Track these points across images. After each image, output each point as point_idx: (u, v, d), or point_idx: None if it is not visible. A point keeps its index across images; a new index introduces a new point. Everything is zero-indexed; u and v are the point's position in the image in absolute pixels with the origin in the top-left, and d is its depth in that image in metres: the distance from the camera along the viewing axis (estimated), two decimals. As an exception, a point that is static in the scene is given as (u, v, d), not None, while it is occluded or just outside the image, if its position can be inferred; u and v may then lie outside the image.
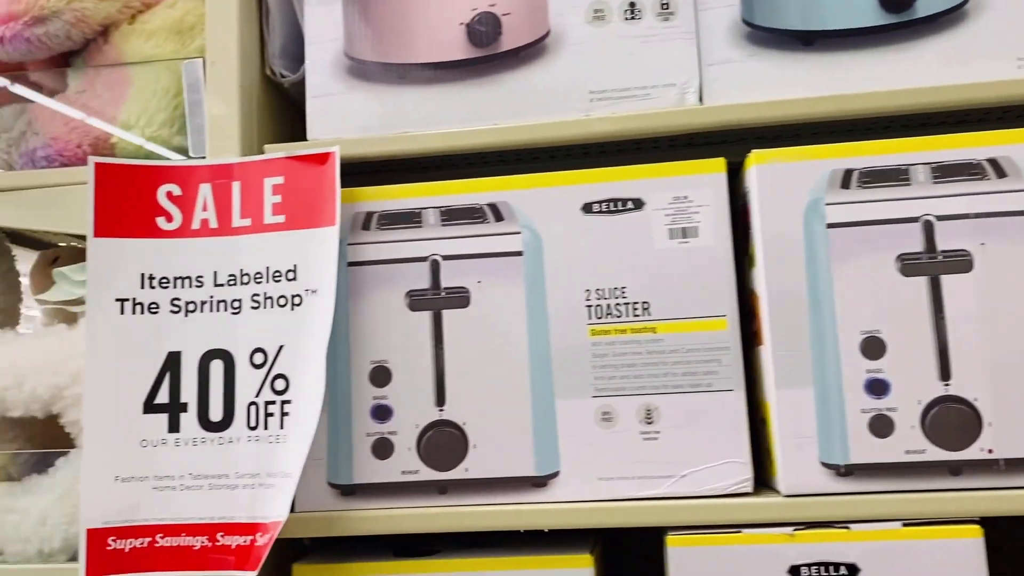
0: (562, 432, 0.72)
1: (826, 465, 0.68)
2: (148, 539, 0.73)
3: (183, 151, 0.81)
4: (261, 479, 0.73)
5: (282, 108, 0.87)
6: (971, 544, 0.65)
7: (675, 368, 0.72)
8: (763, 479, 0.73)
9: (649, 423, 0.71)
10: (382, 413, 0.75)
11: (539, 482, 0.72)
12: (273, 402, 0.74)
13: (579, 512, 0.70)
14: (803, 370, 0.69)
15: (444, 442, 0.73)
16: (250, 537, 0.72)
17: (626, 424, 0.72)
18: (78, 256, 1.02)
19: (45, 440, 0.88)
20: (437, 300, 0.75)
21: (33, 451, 0.81)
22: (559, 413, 0.72)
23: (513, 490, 0.73)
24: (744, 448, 0.70)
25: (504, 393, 0.73)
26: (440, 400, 0.74)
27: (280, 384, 0.74)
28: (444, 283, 0.75)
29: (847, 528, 0.67)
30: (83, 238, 1.08)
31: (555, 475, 0.72)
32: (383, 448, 0.74)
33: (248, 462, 0.73)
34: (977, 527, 0.65)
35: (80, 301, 0.81)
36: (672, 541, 0.69)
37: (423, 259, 0.75)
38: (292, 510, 0.74)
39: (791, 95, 0.73)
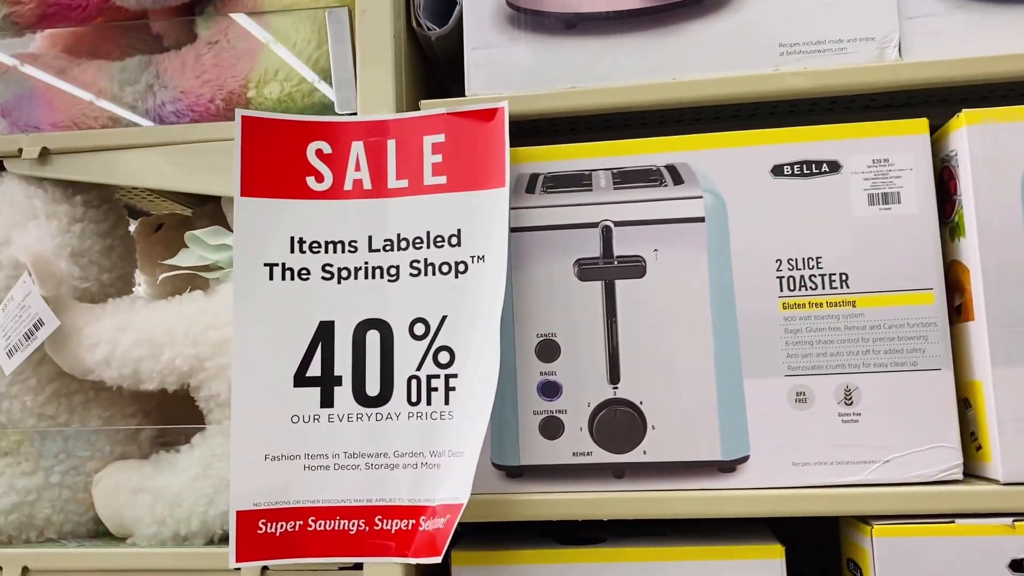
0: (751, 413, 0.67)
1: (1051, 452, 0.63)
2: (300, 522, 0.68)
3: (326, 109, 0.75)
4: (424, 458, 0.68)
5: (425, 65, 0.81)
6: None
7: (877, 345, 0.66)
8: (966, 468, 0.67)
9: (848, 404, 0.66)
10: (551, 390, 0.69)
11: (726, 467, 0.67)
12: (436, 376, 0.68)
13: (771, 499, 0.65)
14: (1023, 347, 0.64)
15: (619, 422, 0.68)
16: (411, 521, 0.67)
17: (823, 405, 0.66)
18: (182, 224, 0.96)
19: (163, 415, 0.83)
20: (609, 269, 0.69)
21: (168, 427, 0.75)
22: (748, 393, 0.67)
23: (696, 475, 0.67)
24: (953, 431, 0.65)
25: (686, 371, 0.68)
26: (614, 377, 0.69)
27: (444, 357, 0.68)
28: (617, 251, 0.69)
29: (1074, 519, 0.62)
30: (189, 206, 1.03)
31: (744, 459, 0.67)
32: (552, 427, 0.69)
33: (409, 440, 0.68)
34: None
35: (212, 267, 0.75)
36: (879, 531, 0.63)
37: (594, 225, 0.70)
38: (454, 493, 0.69)
39: (1001, 51, 0.67)
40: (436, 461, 0.67)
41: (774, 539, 0.67)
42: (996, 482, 0.64)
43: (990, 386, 0.64)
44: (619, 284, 0.69)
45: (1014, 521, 0.62)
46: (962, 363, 0.68)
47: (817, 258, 0.67)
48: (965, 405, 0.68)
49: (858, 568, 0.68)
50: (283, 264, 0.70)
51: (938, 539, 0.63)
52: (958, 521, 0.63)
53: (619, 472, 0.68)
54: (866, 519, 0.65)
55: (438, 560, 0.64)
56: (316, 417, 0.69)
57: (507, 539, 0.72)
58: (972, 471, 0.66)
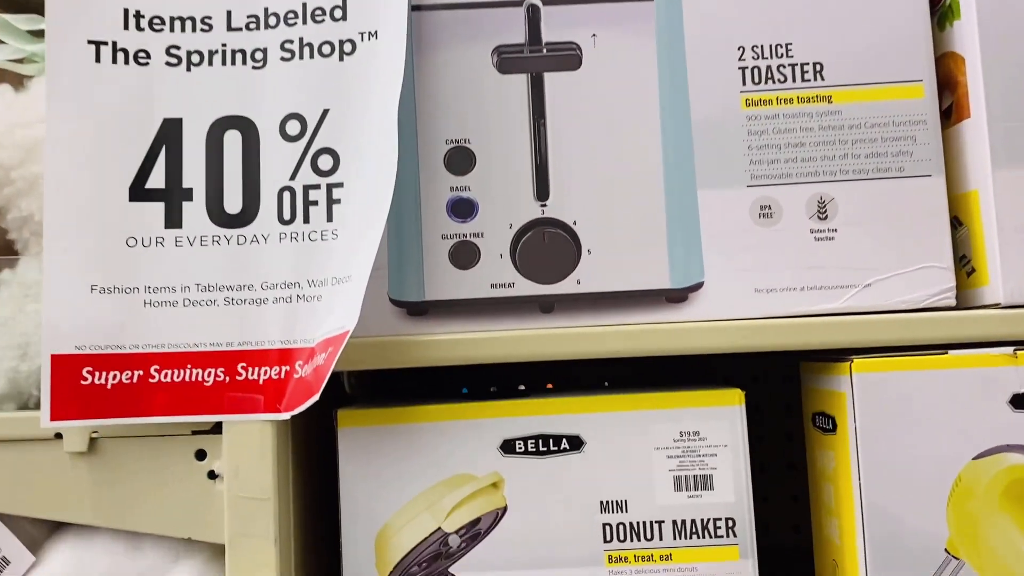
0: (707, 232, 0.55)
1: (1058, 267, 0.53)
2: (139, 372, 0.53)
3: None
4: (300, 290, 0.53)
5: None
6: None
7: (856, 148, 0.55)
8: (957, 300, 0.57)
9: (822, 219, 0.55)
10: (463, 209, 0.56)
11: (676, 296, 0.55)
12: (316, 186, 0.54)
13: (730, 332, 0.53)
14: (1030, 145, 0.53)
15: (548, 247, 0.55)
16: (284, 368, 0.52)
17: (792, 220, 0.55)
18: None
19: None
20: (537, 60, 0.56)
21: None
22: (703, 208, 0.55)
23: (641, 307, 0.55)
24: (946, 249, 0.54)
25: (628, 182, 0.55)
26: (542, 192, 0.55)
27: (326, 162, 0.54)
28: (547, 37, 0.56)
29: (1085, 346, 0.52)
30: None
31: (697, 287, 0.55)
32: (465, 255, 0.55)
33: (281, 268, 0.54)
34: None
35: (32, 59, 0.58)
36: (859, 366, 0.53)
37: (517, 3, 0.56)
38: (340, 336, 0.55)
39: None
40: (316, 293, 0.53)
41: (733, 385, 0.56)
42: (995, 307, 0.54)
43: (990, 193, 0.53)
44: (548, 78, 0.56)
45: (1016, 350, 0.52)
46: (953, 175, 0.57)
47: (787, 44, 0.55)
48: (955, 226, 0.58)
49: (829, 419, 0.57)
50: (114, 43, 0.54)
51: (929, 373, 0.52)
52: (952, 352, 0.53)
53: (547, 306, 0.55)
54: (843, 354, 0.54)
55: (315, 398, 0.50)
56: (159, 240, 0.54)
57: (411, 396, 0.59)
58: (963, 303, 0.56)
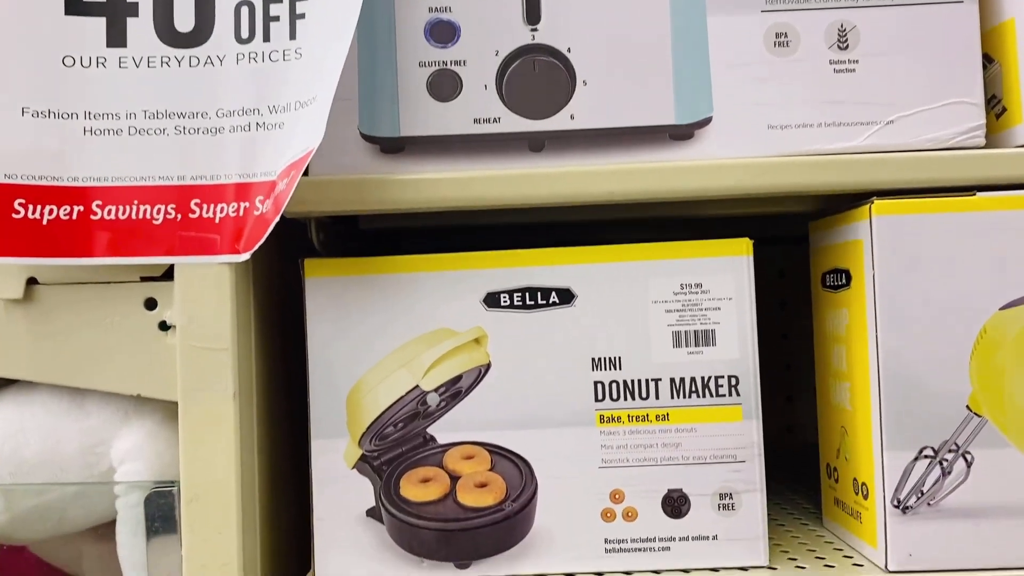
0: (716, 62, 0.49)
1: (1101, 100, 0.48)
2: (80, 208, 0.47)
3: None
4: (261, 117, 0.47)
5: None
6: None
7: (883, -31, 0.49)
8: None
9: (843, 48, 0.49)
10: (444, 33, 0.50)
11: (681, 133, 0.50)
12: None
13: (740, 171, 0.48)
14: (1077, -35, 0.48)
15: (539, 77, 0.49)
16: (244, 205, 0.47)
17: (810, 50, 0.49)
18: None
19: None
20: None
21: None
22: (713, 34, 0.49)
23: (641, 146, 0.50)
24: (976, 83, 0.49)
25: (630, 5, 0.49)
26: (533, 15, 0.49)
27: (289, -28, 0.48)
28: None
29: (1124, 188, 0.48)
30: None
31: (705, 123, 0.49)
32: (446, 85, 0.50)
33: (239, 93, 0.48)
34: None
35: None
36: (880, 208, 0.48)
37: None
38: (306, 174, 0.49)
39: None
40: (277, 120, 0.47)
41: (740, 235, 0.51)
42: (1028, 146, 0.49)
43: (1028, 19, 0.48)
44: None
45: (1051, 191, 0.48)
46: (984, 6, 0.52)
47: None
48: (984, 64, 0.52)
49: (843, 274, 0.52)
50: None
51: (955, 216, 0.48)
52: (980, 194, 0.48)
53: (537, 144, 0.50)
54: (863, 198, 0.49)
55: (272, 225, 0.45)
56: (101, 60, 0.47)
57: (384, 245, 0.54)
58: (992, 145, 0.51)
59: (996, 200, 0.48)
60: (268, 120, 0.47)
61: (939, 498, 0.47)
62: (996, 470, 0.47)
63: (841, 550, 0.53)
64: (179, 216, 0.47)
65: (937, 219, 0.48)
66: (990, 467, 0.47)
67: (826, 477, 0.57)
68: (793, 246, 0.66)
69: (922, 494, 0.47)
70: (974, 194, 0.48)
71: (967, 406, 0.47)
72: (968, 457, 0.47)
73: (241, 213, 0.47)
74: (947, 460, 0.47)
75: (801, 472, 0.72)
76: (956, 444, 0.47)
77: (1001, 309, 0.47)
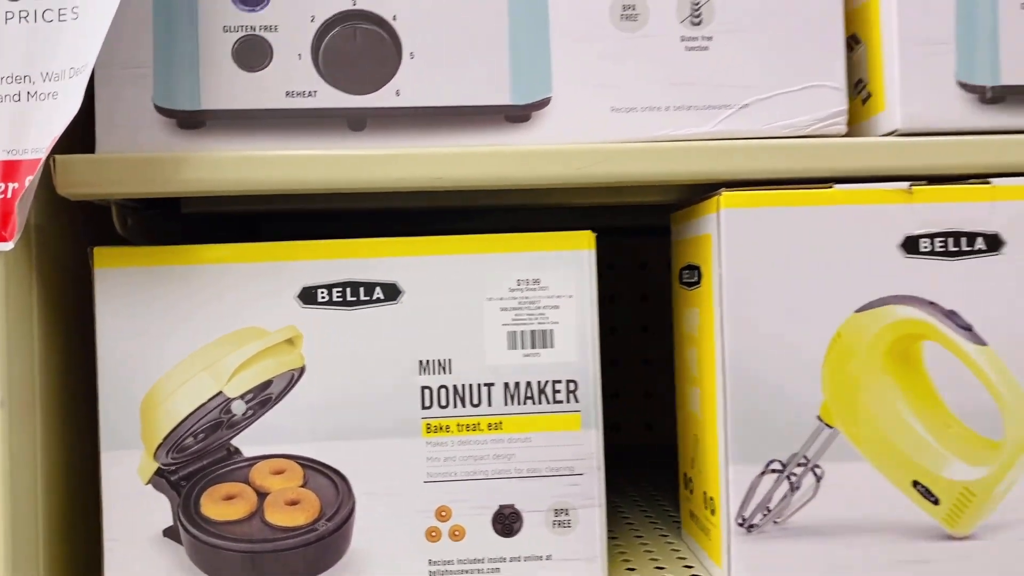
0: (556, 36, 0.45)
1: (964, 86, 0.45)
2: None
3: None
4: (33, 85, 0.41)
5: None
6: None
7: (740, -62, 0.45)
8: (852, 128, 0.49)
9: (696, 23, 0.45)
10: (252, -6, 0.44)
11: (517, 115, 0.45)
12: (51, -51, 0.42)
13: (581, 156, 0.44)
14: (943, -61, 0.44)
15: (360, 46, 0.44)
16: (12, 185, 0.41)
17: (660, 25, 0.45)
18: None
19: None
20: None
21: None
22: (553, 6, 0.45)
23: (475, 127, 0.45)
24: (839, 66, 0.45)
25: (462, -30, 0.45)
26: (353, -23, 0.44)
27: (65, -82, 0.42)
28: None
29: (989, 183, 0.44)
30: None
31: (543, 104, 0.45)
32: (255, 52, 0.44)
33: (10, 56, 0.41)
34: None
35: None
36: (728, 201, 0.44)
37: None
38: (92, 151, 0.43)
39: None
40: (51, 88, 0.41)
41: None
42: (892, 136, 0.45)
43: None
44: None
45: (911, 185, 0.44)
46: (850, -18, 0.48)
47: None
48: (851, 46, 0.49)
49: (695, 270, 0.48)
50: None
51: (809, 209, 0.44)
52: (838, 187, 0.44)
53: (358, 121, 0.45)
54: (712, 188, 0.45)
55: (27, 209, 0.39)
56: None
57: (182, 234, 0.48)
58: (858, 136, 0.48)
59: (855, 193, 0.44)
60: (41, 89, 0.41)
61: (786, 515, 0.44)
62: (847, 485, 0.44)
63: (691, 567, 0.49)
64: (-67, 198, 0.41)
65: (791, 213, 0.44)
66: (841, 482, 0.44)
67: (683, 487, 0.53)
68: (662, 237, 0.63)
69: (768, 511, 0.44)
70: (831, 186, 0.44)
71: (818, 416, 0.44)
72: (818, 471, 0.44)
73: (9, 195, 0.41)
74: (795, 475, 0.44)
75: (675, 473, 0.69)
76: (806, 457, 0.44)
77: (857, 312, 0.44)
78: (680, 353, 0.53)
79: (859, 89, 0.48)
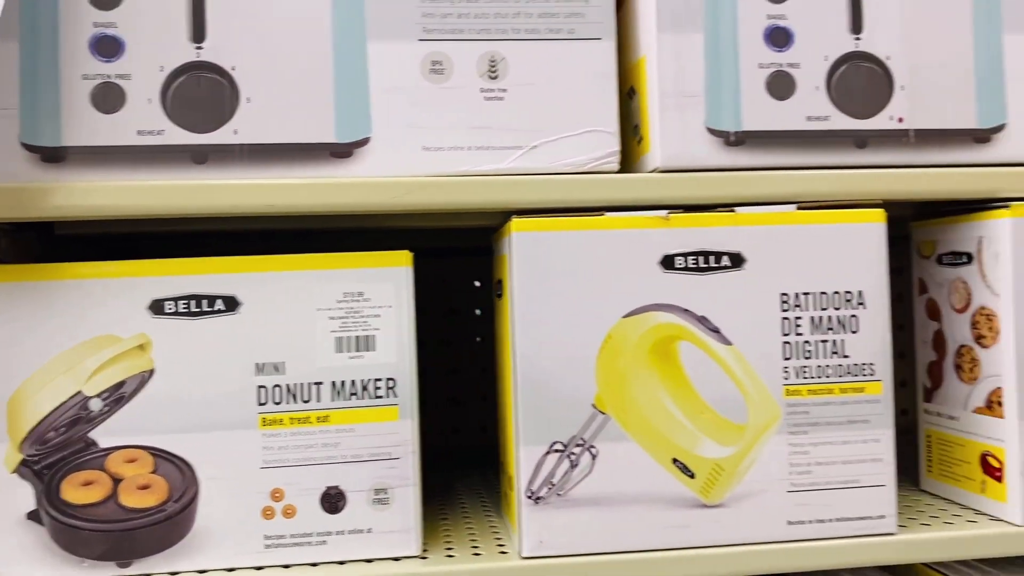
0: (375, 85, 0.53)
1: (713, 132, 0.54)
2: None
3: None
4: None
5: None
6: (874, 230, 0.54)
7: (529, 7, 0.54)
8: (625, 166, 0.58)
9: (493, 77, 0.54)
10: (108, 48, 0.51)
11: (341, 151, 0.53)
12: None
13: (396, 189, 0.52)
14: (693, 9, 0.54)
15: (202, 92, 0.51)
16: None
17: (463, 78, 0.53)
18: None
19: None
20: None
21: None
22: (373, 60, 0.53)
23: (303, 162, 0.53)
24: (612, 114, 0.54)
25: (293, 27, 0.52)
26: (198, 34, 0.51)
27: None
28: None
29: (732, 211, 0.54)
30: None
31: (363, 143, 0.53)
32: (110, 97, 0.50)
33: None
34: (881, 211, 0.54)
35: None
36: (518, 226, 0.52)
37: None
38: (-39, 181, 0.49)
39: None
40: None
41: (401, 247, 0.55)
42: (655, 172, 0.55)
43: (654, 57, 0.54)
44: (207, -90, 0.52)
45: (669, 213, 0.53)
46: (630, 42, 0.57)
47: None
48: (630, 96, 0.58)
49: (500, 284, 0.57)
50: None
51: (585, 233, 0.53)
52: (608, 214, 0.53)
53: (200, 157, 0.52)
54: (507, 214, 0.54)
55: None
56: None
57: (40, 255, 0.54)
58: (636, 170, 0.57)
59: (623, 220, 0.53)
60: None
61: (567, 489, 0.52)
62: (618, 462, 0.53)
63: (500, 539, 0.57)
64: None
65: (570, 236, 0.53)
66: (613, 460, 0.53)
67: (503, 472, 0.62)
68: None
69: (552, 485, 0.52)
70: (603, 214, 0.53)
71: (593, 405, 0.53)
72: (593, 451, 0.53)
73: None
74: (575, 454, 0.52)
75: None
76: (583, 439, 0.53)
77: (624, 317, 0.53)
78: (498, 356, 0.61)
79: (636, 133, 0.57)
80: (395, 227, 0.66)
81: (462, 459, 0.84)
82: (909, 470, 0.72)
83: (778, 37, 0.54)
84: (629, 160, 0.58)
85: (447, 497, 0.70)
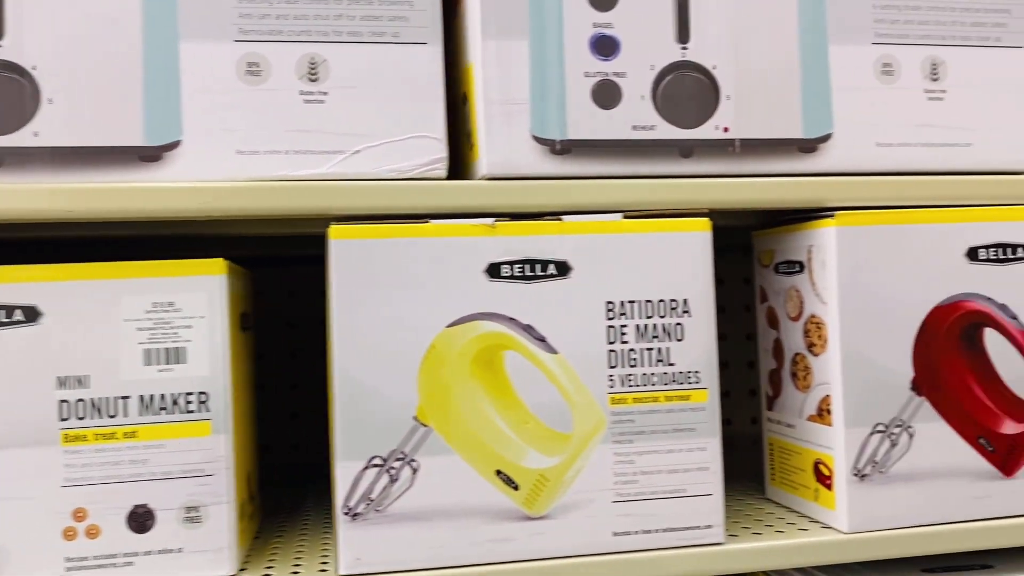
0: (187, 87, 0.51)
1: (539, 140, 0.53)
2: None
3: None
4: None
5: None
6: (699, 239, 0.54)
7: (352, 9, 0.52)
8: (461, 172, 0.57)
9: (313, 80, 0.52)
10: None
11: (149, 154, 0.50)
12: None
13: (207, 194, 0.50)
14: (518, 16, 0.53)
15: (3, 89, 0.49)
16: None
17: (281, 80, 0.52)
18: None
19: None
20: None
21: None
22: (184, 60, 0.51)
23: (110, 166, 0.50)
24: (438, 120, 0.53)
25: (105, 24, 0.50)
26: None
27: None
28: None
29: (559, 220, 0.53)
30: None
31: (173, 146, 0.51)
32: None
33: None
34: (706, 220, 0.55)
35: None
36: (336, 232, 0.51)
37: None
38: None
39: None
40: None
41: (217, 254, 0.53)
42: (483, 179, 0.54)
43: (479, 64, 0.53)
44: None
45: (495, 221, 0.53)
46: (462, 48, 0.57)
47: None
48: (464, 102, 0.57)
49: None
50: None
51: (409, 241, 0.51)
52: (433, 222, 0.52)
53: (-4, 159, 0.49)
54: (326, 220, 0.52)
55: None
56: None
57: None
58: (468, 176, 0.56)
59: (447, 227, 0.52)
60: None
61: (387, 504, 0.51)
62: (440, 476, 0.51)
63: (326, 557, 0.55)
64: None
65: (392, 243, 0.51)
66: (434, 473, 0.51)
67: (338, 486, 0.60)
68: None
69: (371, 501, 0.51)
70: (428, 222, 0.52)
71: (414, 417, 0.51)
72: (414, 464, 0.51)
73: None
74: (395, 468, 0.51)
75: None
76: (403, 453, 0.51)
77: (448, 327, 0.52)
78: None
79: (469, 139, 0.56)
80: (237, 235, 0.63)
81: (311, 475, 0.82)
82: (760, 479, 0.72)
83: (604, 46, 0.54)
84: (466, 167, 0.57)
85: (292, 514, 0.67)
